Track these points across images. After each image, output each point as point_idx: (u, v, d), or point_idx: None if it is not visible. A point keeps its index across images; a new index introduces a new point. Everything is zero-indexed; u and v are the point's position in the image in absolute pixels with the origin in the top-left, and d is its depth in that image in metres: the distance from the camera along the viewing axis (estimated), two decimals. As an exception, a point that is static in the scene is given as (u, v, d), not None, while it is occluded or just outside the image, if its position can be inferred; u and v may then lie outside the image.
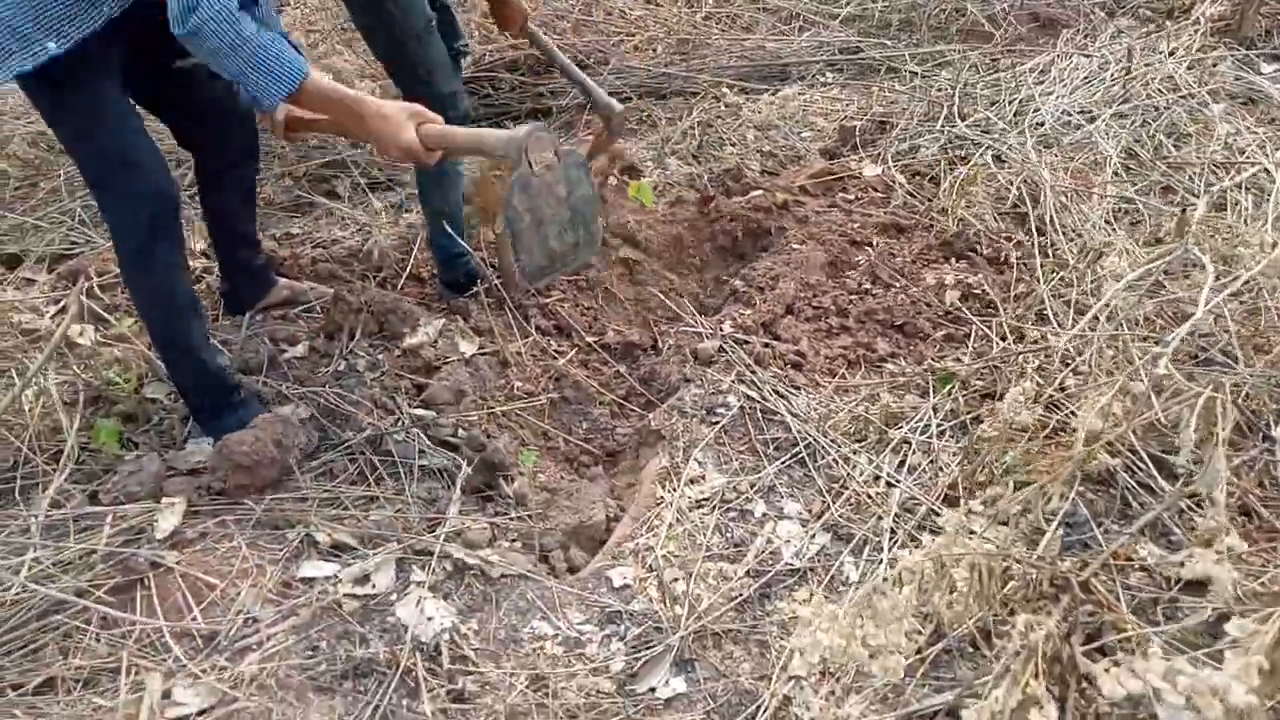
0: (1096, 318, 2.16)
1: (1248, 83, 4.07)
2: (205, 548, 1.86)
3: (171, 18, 1.66)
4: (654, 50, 4.45)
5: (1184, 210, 2.31)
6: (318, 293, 2.70)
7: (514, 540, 2.02)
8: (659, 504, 2.08)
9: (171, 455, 2.09)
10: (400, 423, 2.17)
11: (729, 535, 2.01)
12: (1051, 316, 2.64)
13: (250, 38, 1.67)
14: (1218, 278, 2.27)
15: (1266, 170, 3.13)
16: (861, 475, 2.15)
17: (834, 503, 2.08)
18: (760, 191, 3.30)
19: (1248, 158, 3.38)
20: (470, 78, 4.00)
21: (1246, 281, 2.30)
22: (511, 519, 2.04)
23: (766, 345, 2.56)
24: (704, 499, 2.09)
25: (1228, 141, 3.52)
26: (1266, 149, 3.48)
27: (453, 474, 2.09)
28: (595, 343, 2.69)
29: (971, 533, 1.79)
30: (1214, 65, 4.23)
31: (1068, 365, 2.29)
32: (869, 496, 2.10)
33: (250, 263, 2.60)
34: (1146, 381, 1.94)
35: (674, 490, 2.11)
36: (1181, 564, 1.93)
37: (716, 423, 2.32)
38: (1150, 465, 2.09)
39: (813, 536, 2.01)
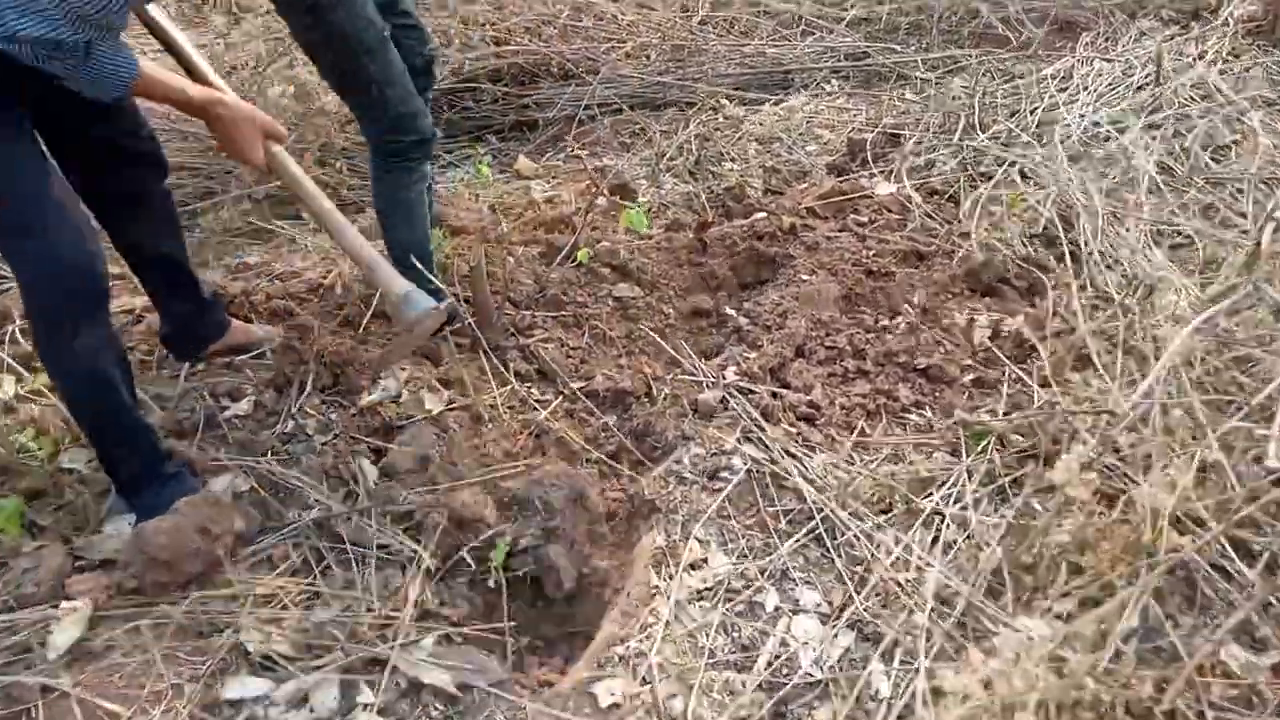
0: (1170, 390, 1.86)
1: (1288, 89, 3.78)
2: (111, 664, 1.56)
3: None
4: (647, 57, 4.16)
5: (1257, 244, 2.02)
6: (277, 336, 2.39)
7: (483, 646, 1.72)
8: (654, 594, 1.78)
9: (82, 542, 1.79)
10: (354, 499, 1.87)
11: (736, 635, 1.71)
12: (1096, 359, 2.35)
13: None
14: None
15: (1323, 188, 2.84)
16: (889, 557, 1.85)
17: (858, 592, 1.78)
18: (764, 214, 3.01)
19: (1297, 173, 3.09)
20: (449, 88, 3.71)
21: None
22: (476, 628, 1.73)
23: (775, 395, 2.26)
24: (706, 588, 1.79)
25: (1274, 158, 3.23)
26: (1315, 163, 3.19)
27: (412, 562, 1.78)
28: (582, 390, 2.39)
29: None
30: (1248, 69, 3.95)
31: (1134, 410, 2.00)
32: (898, 584, 1.80)
33: (191, 301, 2.27)
34: (1225, 461, 1.65)
35: (671, 577, 1.81)
36: (1273, 671, 1.64)
37: (720, 490, 2.02)
38: (1226, 545, 1.79)
39: (835, 636, 1.71)
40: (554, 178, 3.47)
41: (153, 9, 1.96)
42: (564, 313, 2.54)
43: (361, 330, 2.47)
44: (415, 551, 1.78)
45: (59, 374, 1.79)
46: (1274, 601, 1.69)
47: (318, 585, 1.75)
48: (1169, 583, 1.83)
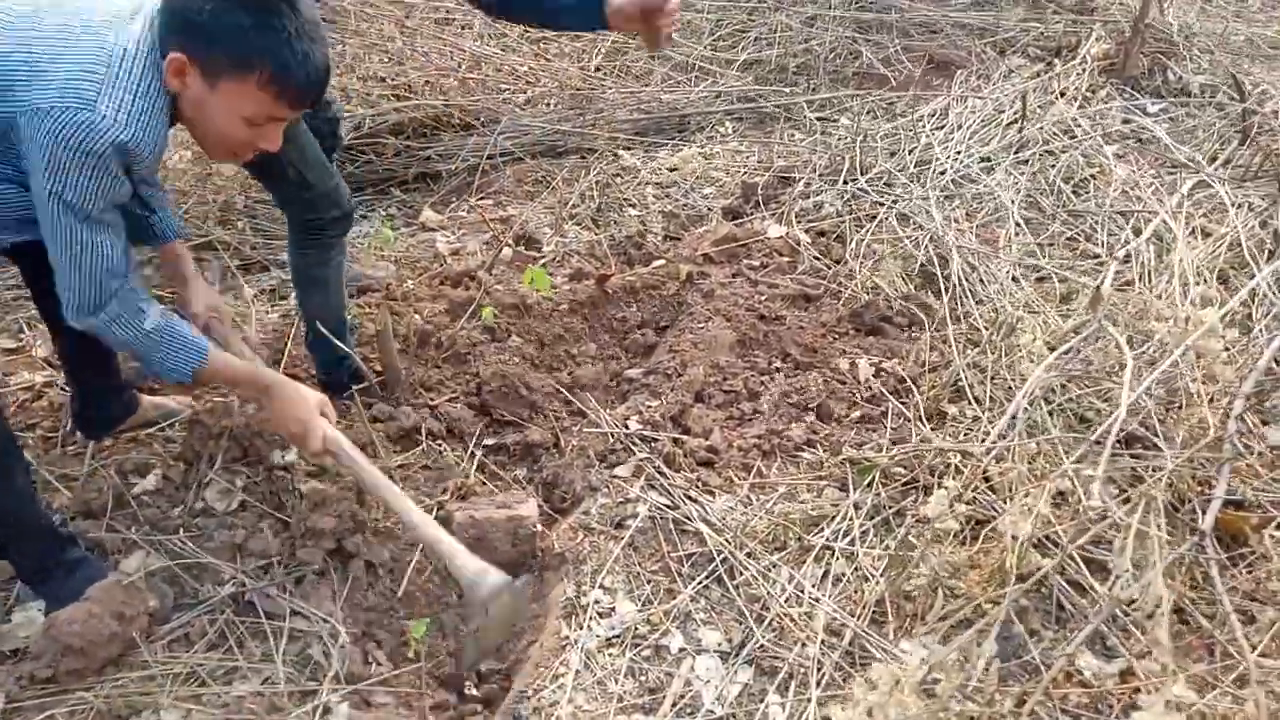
0: (1014, 417, 2.05)
1: (1137, 124, 4.11)
2: (28, 757, 1.58)
3: (67, 307, 1.64)
4: (547, 105, 4.28)
5: (1097, 288, 2.23)
6: (186, 407, 2.41)
7: (401, 704, 1.79)
8: (564, 645, 1.88)
9: (-9, 633, 1.79)
10: (268, 572, 1.92)
11: (643, 679, 1.82)
12: (968, 391, 2.55)
13: (151, 330, 1.70)
14: (1135, 354, 2.20)
15: (1165, 221, 3.12)
16: (783, 594, 1.99)
17: (756, 628, 1.91)
18: (663, 261, 3.15)
19: (1145, 205, 3.38)
20: (352, 144, 3.75)
21: (1160, 359, 2.24)
22: (394, 690, 1.80)
23: (676, 441, 2.39)
24: (615, 635, 1.90)
25: (1124, 189, 3.52)
26: (1161, 195, 3.49)
27: (328, 634, 1.84)
28: (492, 445, 2.48)
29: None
30: (1104, 105, 4.28)
31: (990, 452, 2.18)
32: (792, 619, 1.93)
33: (106, 376, 2.28)
34: (1078, 486, 1.83)
35: (581, 627, 1.91)
36: (1120, 676, 1.83)
37: (625, 538, 2.13)
38: (1080, 564, 1.98)
39: (734, 673, 1.83)
40: (459, 229, 3.55)
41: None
42: (469, 370, 2.62)
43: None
44: (329, 621, 1.84)
45: None
46: (1120, 613, 1.88)
47: (235, 659, 1.79)
48: (1034, 600, 2.02)
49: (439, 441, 2.46)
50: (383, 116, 3.79)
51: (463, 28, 4.61)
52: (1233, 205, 3.25)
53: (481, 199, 3.76)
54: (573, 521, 2.18)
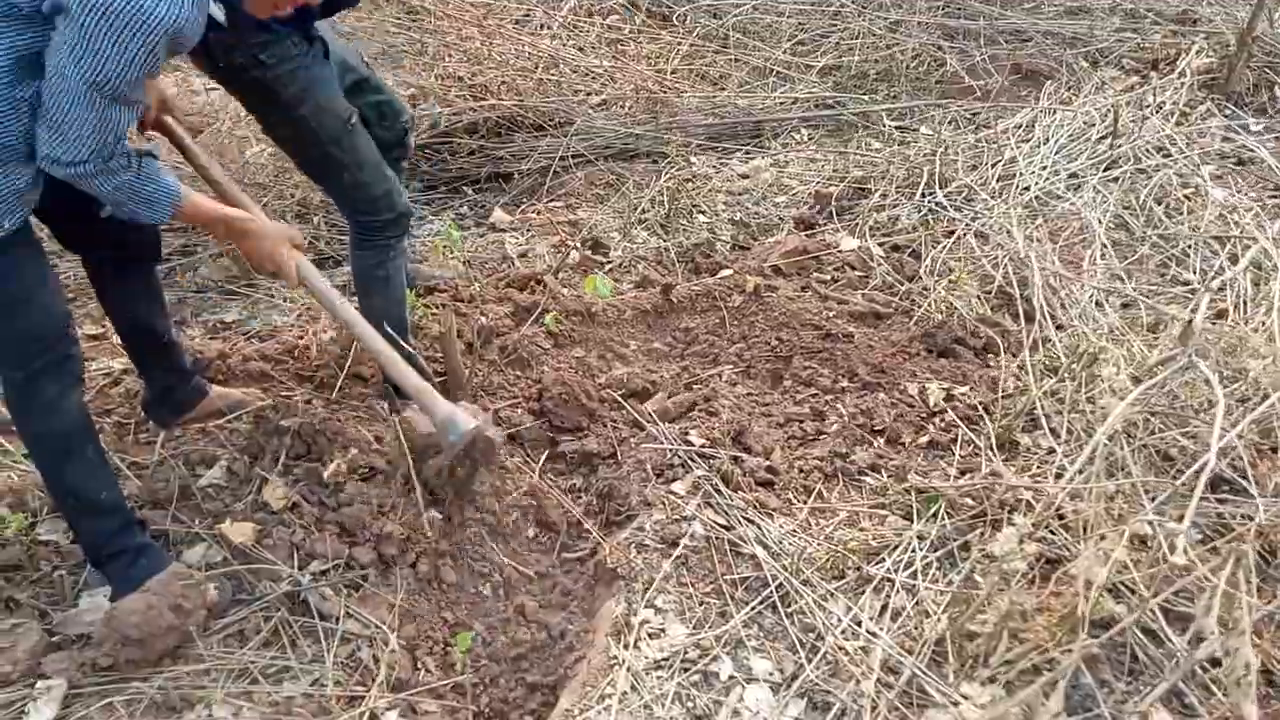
0: (1093, 454, 1.95)
1: (1239, 144, 3.91)
2: (86, 743, 1.62)
3: (49, 159, 1.58)
4: (621, 107, 4.26)
5: (1189, 320, 2.11)
6: (255, 400, 2.45)
7: (447, 712, 1.78)
8: (613, 665, 1.85)
9: (59, 617, 1.84)
10: (325, 575, 1.93)
11: (691, 706, 1.78)
12: (1044, 421, 2.44)
13: (131, 178, 1.65)
14: (1226, 390, 2.08)
15: (1264, 249, 2.95)
16: (839, 626, 1.93)
17: (809, 661, 1.86)
18: (730, 271, 3.10)
19: (1243, 231, 3.21)
20: (426, 143, 3.79)
21: (1253, 398, 2.11)
22: (442, 702, 1.80)
23: (735, 459, 2.34)
24: (663, 658, 1.86)
25: (1221, 213, 3.35)
26: (1262, 220, 3.31)
27: (379, 638, 1.85)
28: (551, 453, 2.47)
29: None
30: (1203, 121, 4.08)
31: (1065, 490, 2.09)
32: (847, 653, 1.87)
33: (172, 367, 2.33)
34: (1159, 532, 1.73)
35: (629, 647, 1.88)
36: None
37: (679, 557, 2.09)
38: (1158, 613, 1.88)
39: (785, 706, 1.78)
40: (529, 230, 3.55)
41: (170, 121, 2.07)
42: (531, 375, 2.61)
43: (336, 392, 2.54)
44: (380, 627, 1.85)
45: (31, 436, 1.84)
46: (1199, 670, 1.77)
47: (287, 659, 1.81)
48: (1106, 649, 1.92)
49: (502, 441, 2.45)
50: (458, 115, 3.82)
51: (541, 26, 4.62)
52: (1340, 234, 3.07)
53: (551, 201, 3.75)
54: (626, 536, 2.15)
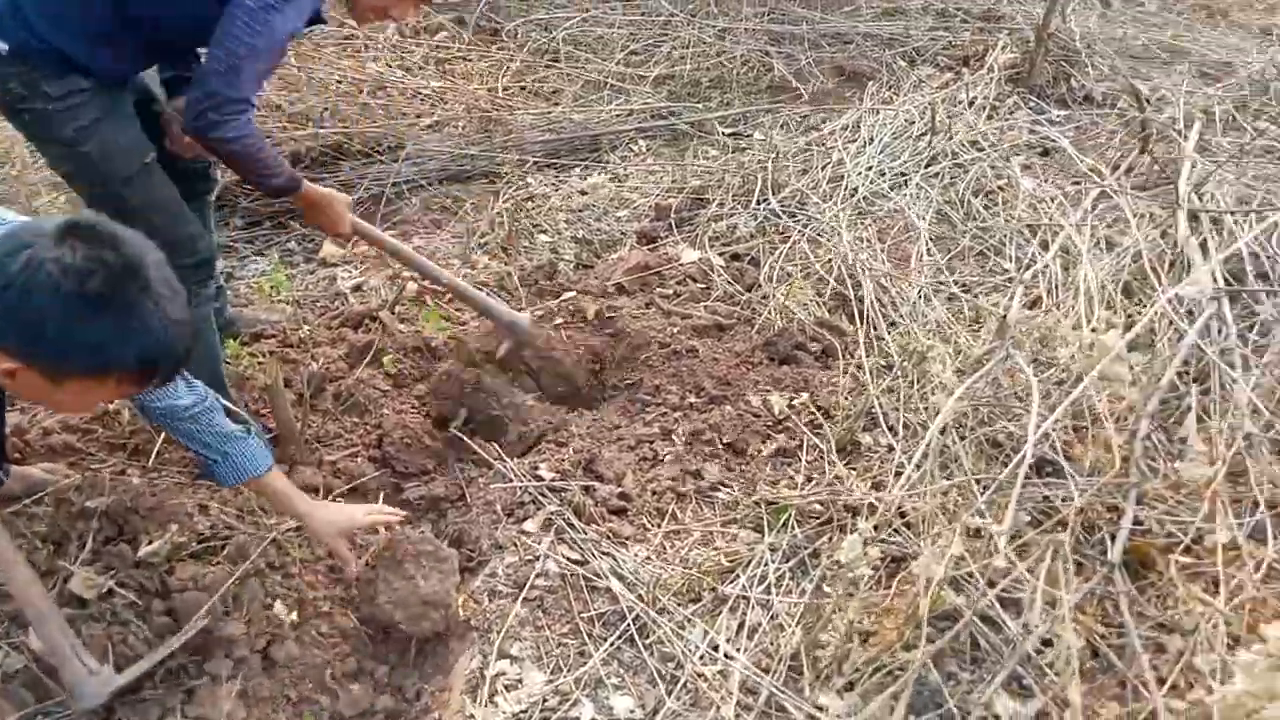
0: (925, 455, 2.02)
1: (1043, 134, 4.17)
2: None
3: None
4: (454, 128, 4.16)
5: (1003, 316, 2.22)
6: (59, 477, 2.24)
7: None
8: (470, 724, 1.78)
9: None
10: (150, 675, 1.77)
11: (552, 756, 1.74)
12: (883, 420, 2.52)
13: None
14: (1042, 378, 2.19)
15: (1070, 236, 3.15)
16: (697, 652, 1.92)
17: (669, 694, 1.84)
18: (574, 293, 3.06)
19: (1050, 219, 3.41)
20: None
21: (1069, 390, 2.23)
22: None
23: (587, 489, 2.30)
24: (522, 710, 1.81)
25: (1031, 203, 3.55)
26: (1066, 207, 3.53)
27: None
28: (394, 501, 2.36)
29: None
30: (1011, 115, 4.33)
31: (901, 477, 2.15)
32: (706, 679, 1.87)
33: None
34: (991, 523, 1.80)
35: (485, 703, 1.81)
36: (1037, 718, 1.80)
37: (533, 599, 2.04)
38: (994, 602, 1.95)
39: (647, 743, 1.76)
40: (362, 263, 3.41)
41: None
42: (369, 421, 2.50)
43: (153, 459, 2.36)
44: None
45: None
46: (1034, 653, 1.85)
47: (107, 768, 1.65)
48: (950, 642, 1.98)
49: (341, 500, 2.34)
50: (278, 146, 3.62)
51: (364, 49, 4.46)
52: (1134, 216, 3.30)
53: (386, 229, 3.61)
54: (478, 585, 2.08)
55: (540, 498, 2.28)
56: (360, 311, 2.96)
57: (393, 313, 2.96)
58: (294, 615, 2.00)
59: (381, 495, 2.37)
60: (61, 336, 1.30)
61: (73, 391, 1.39)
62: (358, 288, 3.23)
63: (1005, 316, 2.23)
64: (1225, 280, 2.80)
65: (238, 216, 3.58)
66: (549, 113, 4.34)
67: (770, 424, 2.57)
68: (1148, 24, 5.85)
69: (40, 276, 1.27)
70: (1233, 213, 3.13)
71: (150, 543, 1.97)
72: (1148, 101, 4.22)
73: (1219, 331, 2.54)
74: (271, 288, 3.11)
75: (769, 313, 2.97)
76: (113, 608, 1.87)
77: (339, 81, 4.01)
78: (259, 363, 2.65)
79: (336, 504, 2.12)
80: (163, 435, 2.41)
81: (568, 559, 2.12)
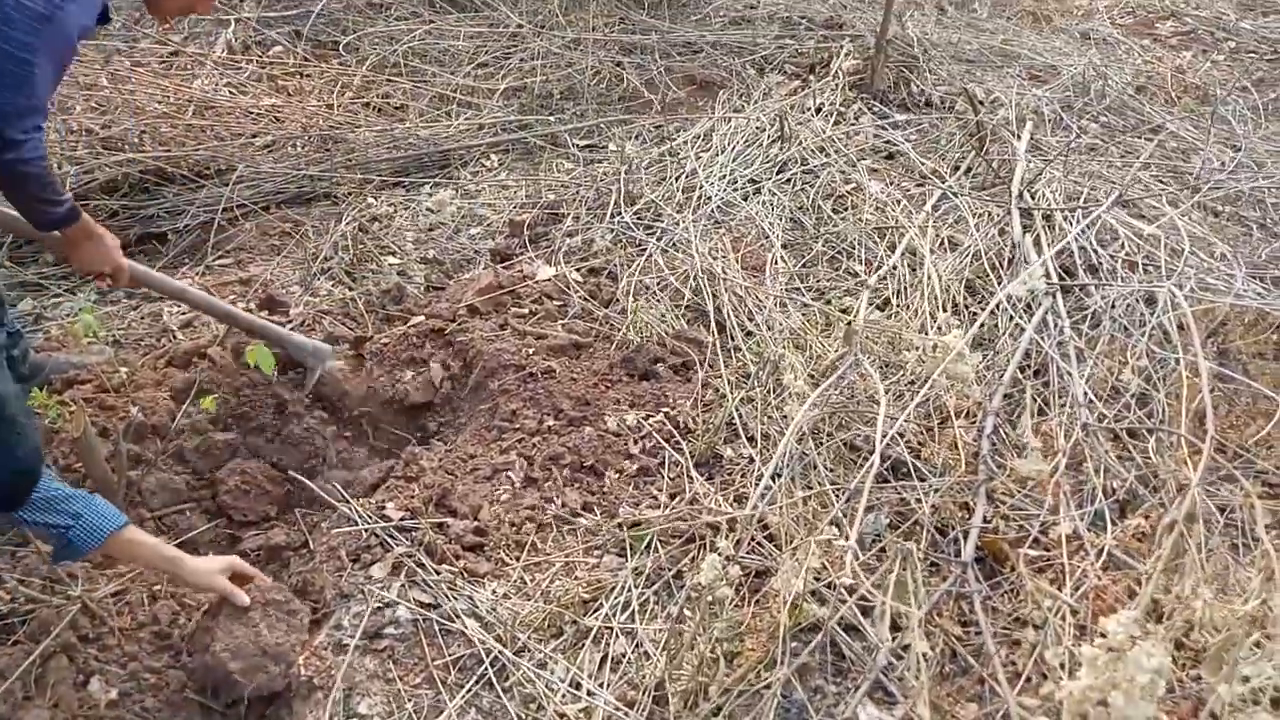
0: (779, 468, 2.00)
1: (886, 139, 4.28)
2: None
3: None
4: (292, 148, 3.94)
5: (849, 323, 2.23)
6: None
7: None
8: (313, 796, 1.64)
9: None
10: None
11: (404, 823, 1.62)
12: (742, 431, 2.50)
13: None
14: (889, 384, 2.21)
15: (913, 237, 3.23)
16: (559, 691, 1.83)
17: (530, 739, 1.75)
18: (422, 318, 2.93)
19: (896, 221, 3.49)
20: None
21: (918, 391, 2.27)
22: None
23: (439, 526, 2.19)
24: (371, 775, 1.68)
25: (879, 205, 3.63)
26: (913, 207, 3.63)
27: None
28: (235, 553, 2.18)
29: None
30: (856, 120, 4.44)
31: (756, 510, 2.13)
32: (569, 719, 1.78)
33: None
34: (852, 533, 1.79)
35: (332, 770, 1.67)
36: (903, 727, 1.80)
37: (383, 650, 1.91)
38: (855, 610, 1.95)
39: (508, 797, 1.66)
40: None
41: None
42: (191, 470, 2.31)
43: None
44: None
45: None
46: (894, 660, 1.85)
47: None
48: (814, 654, 1.97)
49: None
50: (90, 174, 3.34)
51: (187, 64, 4.18)
52: (973, 216, 3.42)
53: (219, 259, 3.39)
54: (323, 638, 1.93)
55: (388, 539, 2.14)
56: (189, 348, 2.74)
57: (225, 348, 2.75)
58: (113, 692, 1.81)
59: (213, 550, 2.19)
60: None
61: None
62: (188, 324, 2.99)
63: (850, 323, 2.24)
64: (1059, 274, 2.92)
65: (47, 253, 3.27)
66: (393, 129, 4.18)
67: (631, 443, 2.51)
68: (980, 29, 6.13)
69: None
70: (1062, 210, 3.28)
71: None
72: (982, 104, 4.40)
73: (1054, 325, 2.64)
74: (89, 329, 2.84)
75: (627, 328, 2.92)
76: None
77: (160, 102, 3.74)
78: (71, 412, 2.41)
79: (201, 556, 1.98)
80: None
81: (420, 603, 2.00)
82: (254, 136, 3.90)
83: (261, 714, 1.89)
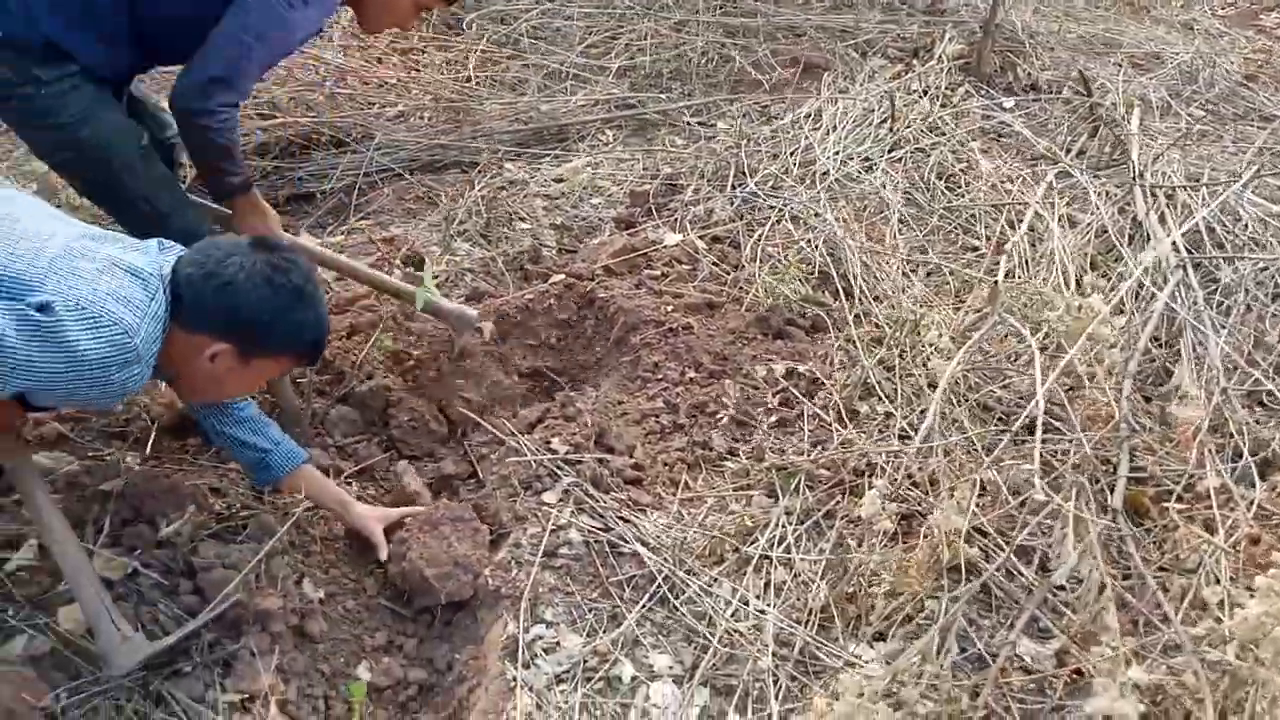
0: (935, 415, 2.10)
1: (999, 121, 4.33)
2: None
3: None
4: (421, 118, 4.13)
5: (995, 282, 2.32)
6: (62, 464, 2.17)
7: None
8: (511, 687, 1.79)
9: None
10: (183, 651, 1.74)
11: (599, 714, 1.76)
12: (878, 388, 2.60)
13: None
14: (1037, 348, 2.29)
15: (1037, 212, 3.29)
16: (728, 609, 1.97)
17: (705, 649, 1.88)
18: (561, 276, 3.08)
19: (1014, 198, 3.55)
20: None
21: (1056, 349, 2.34)
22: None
23: (600, 461, 2.33)
24: (563, 672, 1.83)
25: (995, 184, 3.70)
26: (1028, 186, 3.68)
27: (255, 706, 1.69)
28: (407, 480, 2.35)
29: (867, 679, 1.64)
30: (964, 102, 4.49)
31: (919, 451, 2.23)
32: (741, 634, 1.91)
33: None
34: (1003, 480, 1.89)
35: (526, 666, 1.82)
36: (1056, 658, 1.89)
37: (561, 566, 2.06)
38: (1004, 550, 2.04)
39: (691, 697, 1.79)
40: (341, 252, 3.36)
41: None
42: (374, 404, 2.48)
43: (150, 448, 2.30)
44: (251, 696, 1.69)
45: None
46: (1049, 595, 1.95)
47: (151, 748, 1.62)
48: (959, 584, 2.07)
49: (349, 482, 2.32)
50: (246, 136, 3.56)
51: (324, 37, 4.39)
52: (1095, 194, 3.47)
53: (362, 219, 3.58)
54: (503, 555, 2.08)
55: (556, 470, 2.29)
56: (347, 299, 2.93)
57: (379, 299, 2.93)
58: (320, 592, 1.99)
59: (389, 481, 2.36)
60: (274, 320, 1.64)
61: (254, 370, 1.71)
62: (339, 278, 3.18)
63: (997, 282, 2.33)
64: (1185, 250, 2.97)
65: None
66: (515, 103, 4.34)
67: (770, 395, 2.63)
68: (1079, 18, 6.11)
69: (256, 276, 1.61)
70: (1186, 187, 3.32)
71: (170, 524, 1.94)
72: (1093, 88, 4.42)
73: (1186, 296, 2.70)
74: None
75: (756, 290, 3.04)
76: (139, 587, 1.83)
77: (302, 69, 3.95)
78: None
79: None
80: (156, 423, 2.36)
81: (590, 527, 2.15)
82: (385, 107, 4.09)
83: (448, 621, 2.06)
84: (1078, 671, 1.79)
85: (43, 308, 1.40)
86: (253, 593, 1.84)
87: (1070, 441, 2.25)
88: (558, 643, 1.89)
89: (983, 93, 4.67)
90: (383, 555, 2.04)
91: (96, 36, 2.03)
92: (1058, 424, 2.38)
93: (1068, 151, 4.02)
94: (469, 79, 4.49)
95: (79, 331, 1.41)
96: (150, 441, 2.30)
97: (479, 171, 3.83)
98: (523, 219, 3.61)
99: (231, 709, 1.70)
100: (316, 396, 2.49)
